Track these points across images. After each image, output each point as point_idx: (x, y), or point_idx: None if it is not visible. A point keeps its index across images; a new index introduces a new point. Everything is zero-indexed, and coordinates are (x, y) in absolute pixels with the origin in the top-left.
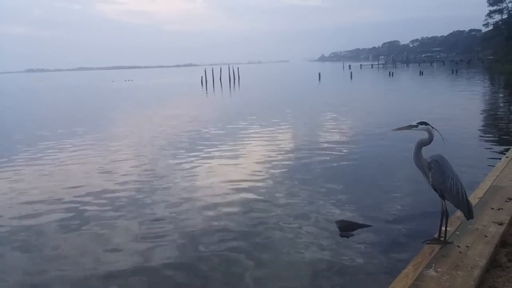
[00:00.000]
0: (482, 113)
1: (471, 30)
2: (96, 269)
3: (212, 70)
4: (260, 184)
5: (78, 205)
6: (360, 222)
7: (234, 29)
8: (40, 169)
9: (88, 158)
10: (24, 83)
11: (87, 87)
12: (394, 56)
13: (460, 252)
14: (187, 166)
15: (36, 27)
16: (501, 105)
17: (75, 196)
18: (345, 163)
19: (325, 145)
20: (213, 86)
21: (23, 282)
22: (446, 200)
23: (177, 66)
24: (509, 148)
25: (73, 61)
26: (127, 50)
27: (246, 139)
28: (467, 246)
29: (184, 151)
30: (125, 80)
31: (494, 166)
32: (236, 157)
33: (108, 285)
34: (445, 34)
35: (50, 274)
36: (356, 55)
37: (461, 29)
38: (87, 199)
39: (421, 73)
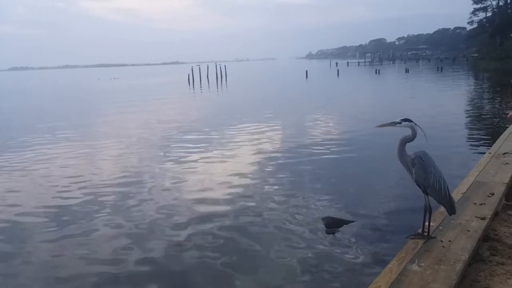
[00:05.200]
0: (465, 110)
1: (456, 28)
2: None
3: (199, 68)
4: (247, 183)
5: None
6: (346, 218)
7: (221, 27)
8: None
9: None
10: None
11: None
12: (380, 54)
13: (443, 246)
14: (174, 168)
15: (20, 24)
16: (485, 101)
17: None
18: (331, 160)
19: (311, 143)
20: (200, 84)
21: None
22: (429, 196)
23: (164, 64)
24: (492, 144)
25: (58, 59)
26: (113, 48)
27: (232, 139)
28: (450, 241)
29: (174, 153)
30: (111, 78)
31: (477, 162)
32: (222, 157)
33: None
34: (431, 32)
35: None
36: (343, 52)
37: (446, 27)
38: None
39: (406, 71)
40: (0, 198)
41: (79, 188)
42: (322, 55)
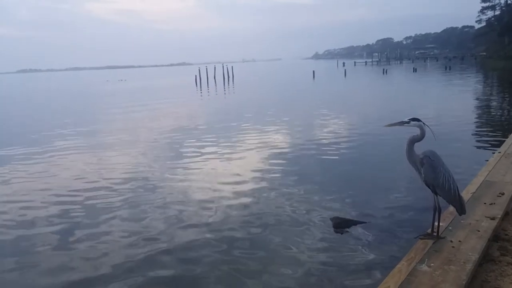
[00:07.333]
0: (474, 109)
1: (464, 27)
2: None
3: (206, 69)
4: (256, 183)
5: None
6: (355, 218)
7: (227, 28)
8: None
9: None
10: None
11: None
12: (387, 53)
13: (453, 247)
14: (182, 168)
15: (25, 27)
16: (494, 101)
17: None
18: (339, 160)
19: (319, 143)
20: (208, 85)
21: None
22: (438, 196)
23: (171, 65)
24: (502, 143)
25: (66, 61)
26: (120, 49)
27: (240, 139)
28: (459, 241)
29: (181, 153)
30: (119, 80)
31: (486, 161)
32: (229, 157)
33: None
34: (438, 31)
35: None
36: (350, 52)
37: (454, 25)
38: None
39: (414, 70)
40: (2, 200)
41: (87, 190)
42: (329, 55)
